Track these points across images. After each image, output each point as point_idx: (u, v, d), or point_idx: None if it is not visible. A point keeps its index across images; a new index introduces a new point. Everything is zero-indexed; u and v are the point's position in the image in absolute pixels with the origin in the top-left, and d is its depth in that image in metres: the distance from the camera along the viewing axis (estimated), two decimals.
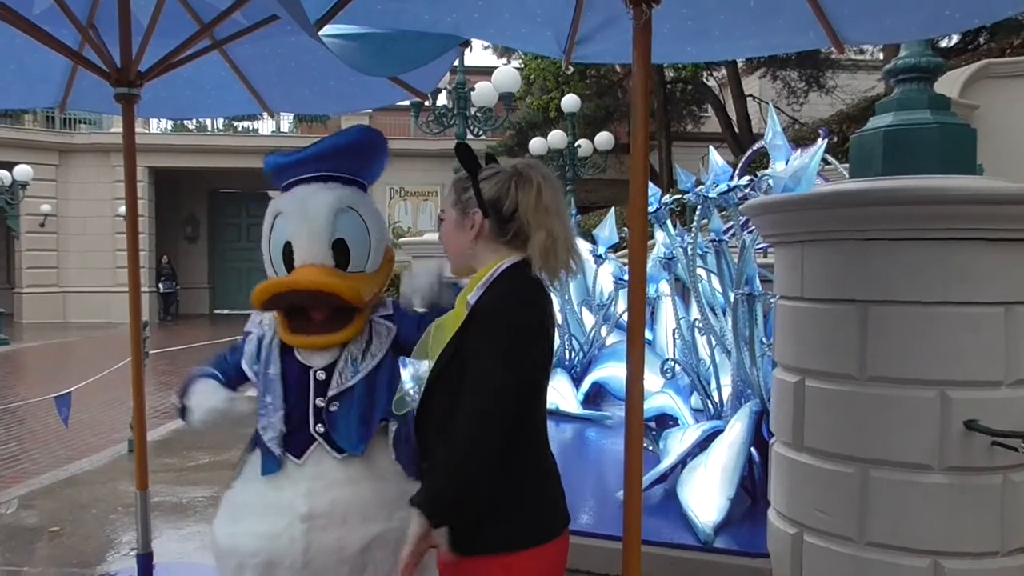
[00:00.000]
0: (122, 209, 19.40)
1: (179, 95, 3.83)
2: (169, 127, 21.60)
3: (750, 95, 18.32)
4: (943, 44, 13.86)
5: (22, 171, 15.21)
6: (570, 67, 3.20)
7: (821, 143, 3.78)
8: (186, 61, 3.26)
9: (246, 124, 22.57)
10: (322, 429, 2.17)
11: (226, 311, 22.65)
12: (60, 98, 3.77)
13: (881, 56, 13.74)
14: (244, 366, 2.27)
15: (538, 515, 1.71)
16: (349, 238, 2.23)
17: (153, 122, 20.50)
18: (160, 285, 21.40)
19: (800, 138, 11.60)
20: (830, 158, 5.39)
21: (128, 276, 3.30)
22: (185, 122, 21.25)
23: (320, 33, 2.74)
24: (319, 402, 2.17)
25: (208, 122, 21.90)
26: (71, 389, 5.12)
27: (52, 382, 8.92)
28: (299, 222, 2.21)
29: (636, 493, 2.02)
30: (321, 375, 2.19)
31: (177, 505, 4.83)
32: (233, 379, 2.31)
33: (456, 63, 9.18)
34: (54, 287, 20.61)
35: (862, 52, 16.42)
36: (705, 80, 19.15)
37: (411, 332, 2.20)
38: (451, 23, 2.84)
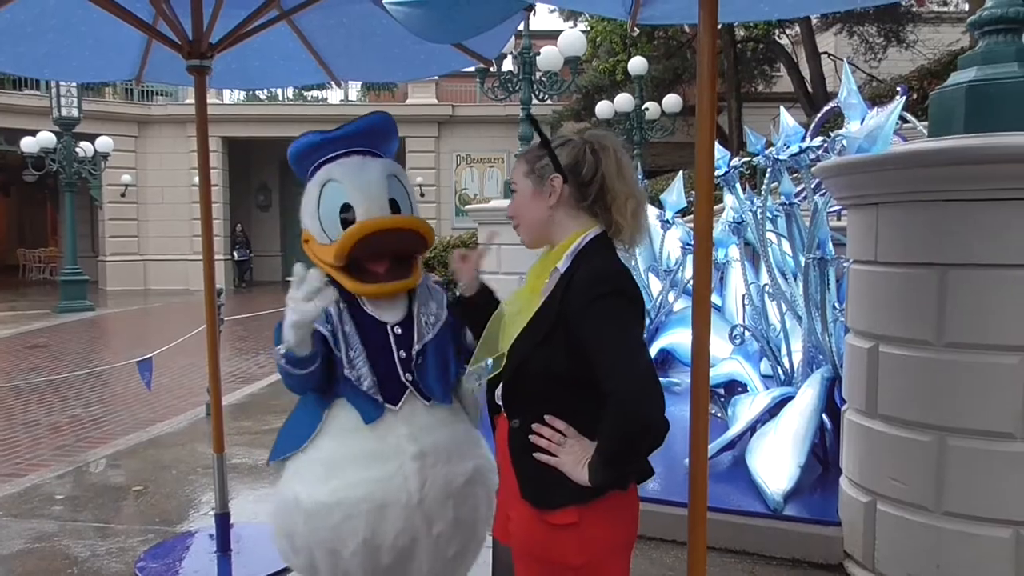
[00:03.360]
0: (197, 178, 19.91)
1: (249, 66, 3.90)
2: (241, 97, 22.04)
3: (825, 52, 17.65)
4: None
5: (103, 142, 15.71)
6: (636, 29, 3.14)
7: (899, 101, 3.63)
8: (255, 32, 3.31)
9: (316, 94, 22.85)
10: (411, 377, 2.28)
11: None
12: (136, 71, 3.88)
13: (967, 7, 13.07)
14: (317, 325, 2.28)
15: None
16: (399, 199, 2.36)
17: (226, 92, 20.92)
18: (234, 253, 21.99)
19: (878, 96, 11.14)
20: (909, 116, 5.17)
21: (202, 245, 3.40)
22: (257, 92, 21.64)
23: (386, 1, 2.75)
24: (401, 354, 2.28)
25: (279, 92, 22.25)
26: (152, 354, 5.33)
27: (135, 347, 9.32)
28: (359, 184, 2.32)
29: (702, 463, 2.00)
30: (398, 330, 2.30)
31: (253, 467, 5.01)
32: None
33: (521, 28, 9.08)
34: (135, 255, 21.40)
35: (946, 3, 15.63)
36: (777, 38, 18.55)
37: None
38: None
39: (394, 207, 2.33)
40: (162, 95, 21.62)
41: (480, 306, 2.01)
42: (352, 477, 2.22)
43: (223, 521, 3.53)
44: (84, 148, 15.40)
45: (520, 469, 1.71)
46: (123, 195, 20.90)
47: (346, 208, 2.29)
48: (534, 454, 1.66)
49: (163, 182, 21.37)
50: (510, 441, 1.74)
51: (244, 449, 5.36)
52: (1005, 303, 2.68)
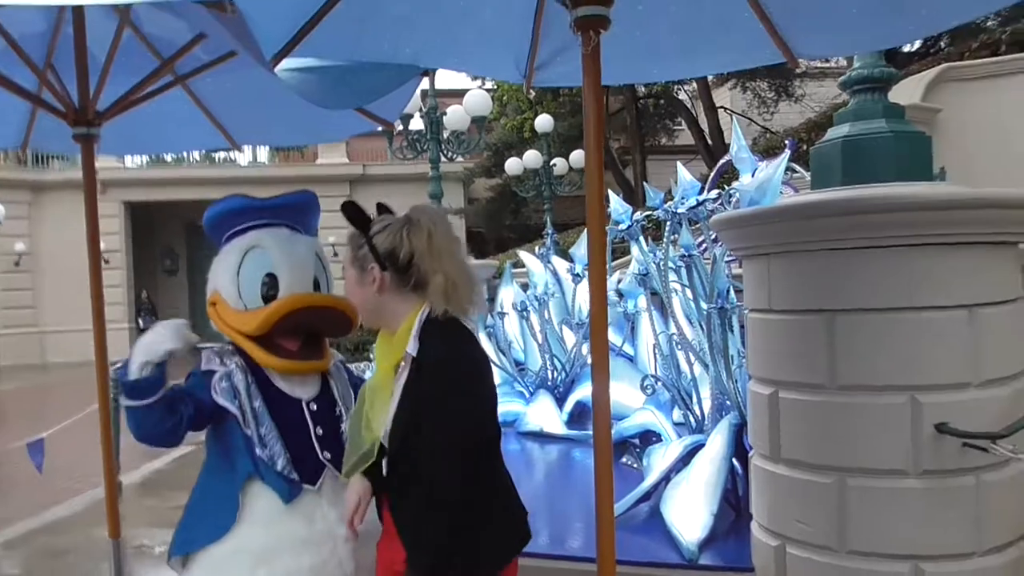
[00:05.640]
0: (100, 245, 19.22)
1: (142, 131, 3.79)
2: (145, 161, 21.48)
3: (721, 107, 18.52)
4: (906, 49, 14.09)
5: None
6: (531, 91, 3.23)
7: (785, 154, 3.83)
8: (146, 98, 3.24)
9: (224, 155, 22.51)
10: (329, 455, 2.23)
11: (208, 344, 22.39)
12: (21, 139, 3.75)
13: (846, 64, 13.94)
14: (222, 401, 2.20)
15: (498, 536, 1.78)
16: (320, 278, 2.36)
17: (128, 156, 20.39)
18: (140, 320, 21.19)
19: (771, 148, 11.70)
20: (797, 167, 5.46)
21: (92, 317, 3.25)
22: (163, 155, 21.13)
23: (279, 67, 2.75)
24: (319, 431, 2.23)
25: (185, 154, 21.80)
26: (43, 435, 5.03)
27: (29, 426, 8.77)
28: (287, 257, 2.28)
29: (608, 516, 2.01)
30: (313, 406, 2.26)
31: (158, 549, 4.77)
32: (194, 419, 2.22)
33: (427, 87, 9.21)
34: (31, 327, 20.37)
35: (828, 61, 16.65)
36: (676, 94, 19.33)
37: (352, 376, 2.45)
38: (411, 53, 2.85)
39: (316, 286, 2.32)
40: (59, 159, 20.85)
41: None
42: (284, 566, 2.12)
43: None
44: None
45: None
46: (17, 264, 19.95)
47: (270, 278, 2.26)
48: None
49: (61, 249, 20.43)
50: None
51: (149, 530, 5.10)
52: (890, 345, 2.80)
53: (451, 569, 1.63)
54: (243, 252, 2.31)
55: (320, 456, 2.22)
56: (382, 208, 1.84)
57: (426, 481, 1.62)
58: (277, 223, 2.36)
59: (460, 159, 12.55)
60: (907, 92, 8.17)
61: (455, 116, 9.39)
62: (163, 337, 2.18)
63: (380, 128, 4.51)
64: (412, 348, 1.68)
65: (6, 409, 12.58)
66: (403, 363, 1.71)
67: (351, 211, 1.77)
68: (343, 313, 2.24)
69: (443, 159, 9.55)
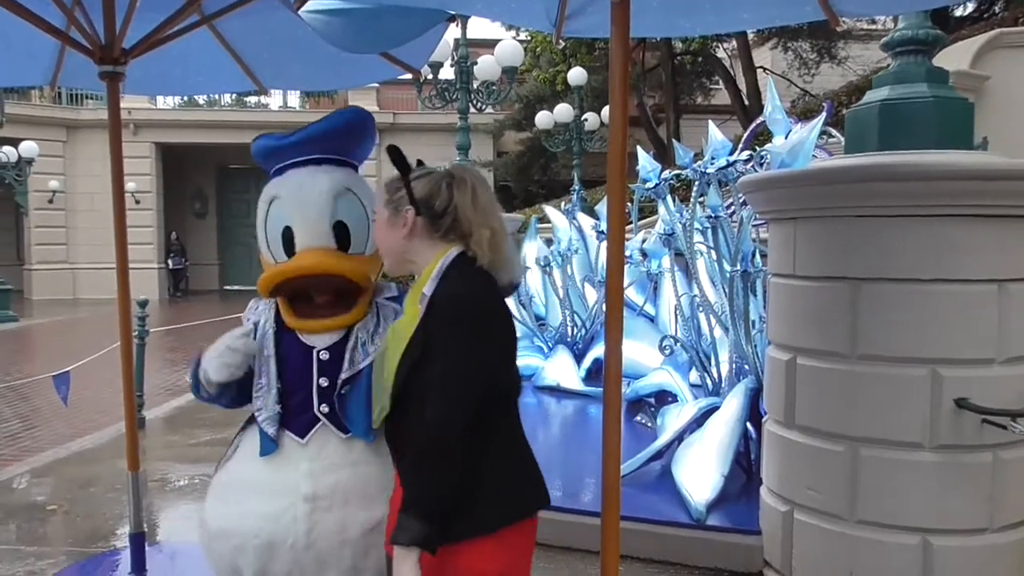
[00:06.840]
0: (131, 184, 19.44)
1: (169, 72, 3.79)
2: (177, 103, 21.52)
3: (761, 67, 18.06)
4: (957, 13, 13.60)
5: (28, 147, 15.20)
6: (561, 42, 3.16)
7: (820, 117, 3.73)
8: (173, 37, 3.22)
9: (255, 99, 22.48)
10: (326, 409, 2.16)
11: (236, 287, 22.72)
12: (50, 76, 3.74)
13: (892, 25, 13.50)
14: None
15: (506, 498, 1.73)
16: (349, 221, 2.24)
17: (160, 98, 20.45)
18: (169, 261, 21.49)
19: (810, 110, 11.43)
20: (834, 131, 5.33)
21: (116, 256, 3.29)
22: (195, 97, 21.17)
23: (304, 9, 2.71)
24: (322, 382, 2.16)
25: (217, 97, 21.81)
26: (70, 368, 5.14)
27: (58, 359, 8.98)
28: (298, 206, 2.21)
29: (614, 472, 2.01)
30: (324, 355, 2.18)
31: (178, 483, 4.88)
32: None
33: (458, 36, 9.07)
34: (63, 263, 20.70)
35: (874, 22, 16.14)
36: (714, 52, 18.90)
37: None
38: None
39: (341, 231, 2.21)
40: (92, 99, 20.93)
41: None
42: (249, 507, 2.15)
43: (138, 541, 3.40)
44: (7, 153, 14.87)
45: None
46: (50, 201, 20.20)
47: (287, 231, 2.22)
48: None
49: (93, 188, 20.64)
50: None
51: (170, 464, 5.21)
52: (915, 317, 2.75)
53: (433, 521, 1.58)
54: (267, 204, 2.28)
55: (316, 409, 2.16)
56: (419, 163, 1.86)
57: (426, 423, 1.60)
58: (303, 160, 2.26)
59: (490, 110, 12.40)
60: (955, 58, 7.87)
61: (486, 66, 9.24)
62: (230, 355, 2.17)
63: (409, 76, 4.46)
64: (428, 288, 1.69)
65: (36, 342, 12.88)
66: (420, 306, 1.70)
67: (395, 154, 1.79)
68: (331, 276, 2.16)
69: (472, 110, 9.42)
